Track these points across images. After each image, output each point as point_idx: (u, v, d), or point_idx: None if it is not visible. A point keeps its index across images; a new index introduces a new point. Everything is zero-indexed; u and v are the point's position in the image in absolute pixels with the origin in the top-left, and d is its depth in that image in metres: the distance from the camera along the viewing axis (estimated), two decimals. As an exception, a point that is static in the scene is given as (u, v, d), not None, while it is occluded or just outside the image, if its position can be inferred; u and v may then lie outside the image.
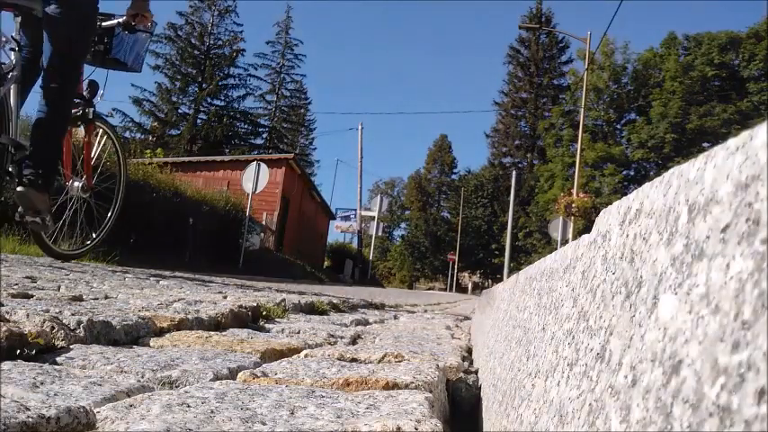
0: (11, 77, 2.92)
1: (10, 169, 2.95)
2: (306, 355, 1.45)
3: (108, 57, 3.46)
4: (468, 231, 46.86)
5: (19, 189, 2.89)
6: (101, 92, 3.59)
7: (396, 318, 3.56)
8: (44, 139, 2.98)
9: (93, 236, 3.87)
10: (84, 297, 2.07)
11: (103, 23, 3.39)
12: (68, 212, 3.62)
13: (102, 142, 3.91)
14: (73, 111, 3.33)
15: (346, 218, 35.45)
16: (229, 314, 2.03)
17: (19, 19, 2.97)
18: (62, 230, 3.63)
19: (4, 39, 2.93)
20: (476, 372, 1.59)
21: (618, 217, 0.54)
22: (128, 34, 3.44)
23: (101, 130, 3.87)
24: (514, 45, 50.31)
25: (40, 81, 3.03)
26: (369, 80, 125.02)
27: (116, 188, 4.12)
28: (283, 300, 2.88)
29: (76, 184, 3.66)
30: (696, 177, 0.36)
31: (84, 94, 3.50)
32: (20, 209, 2.99)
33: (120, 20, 3.40)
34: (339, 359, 1.42)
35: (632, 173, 38.37)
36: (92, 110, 3.64)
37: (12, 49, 2.97)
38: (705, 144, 32.08)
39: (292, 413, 0.82)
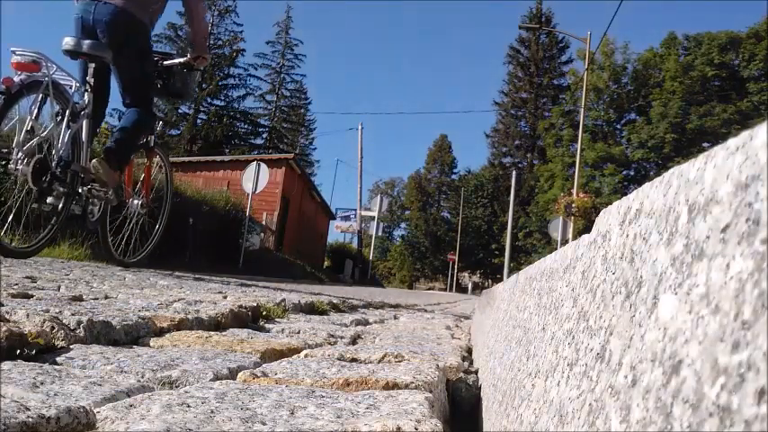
0: (83, 114, 3.42)
1: (80, 191, 3.45)
2: (306, 355, 1.45)
3: (166, 90, 3.96)
4: (468, 231, 46.86)
5: (94, 161, 3.38)
6: (159, 124, 4.10)
7: (396, 318, 3.56)
8: (125, 136, 3.56)
9: (147, 246, 4.40)
10: (84, 297, 2.07)
11: (164, 62, 3.87)
12: (128, 226, 4.14)
13: (158, 167, 4.49)
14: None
15: (346, 218, 35.44)
16: (229, 314, 2.03)
17: (93, 65, 3.42)
18: (122, 241, 4.17)
19: (78, 84, 3.41)
20: (476, 372, 1.59)
21: (618, 217, 0.54)
22: (184, 71, 3.93)
23: (158, 157, 4.43)
24: (514, 45, 50.32)
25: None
26: (369, 80, 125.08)
27: (163, 205, 4.65)
28: (283, 300, 2.88)
29: (136, 202, 4.18)
30: (696, 177, 0.36)
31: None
32: (92, 208, 3.59)
33: (181, 60, 3.90)
34: (339, 359, 1.42)
35: (632, 173, 38.36)
36: (153, 138, 4.19)
37: (85, 91, 3.45)
38: (705, 144, 32.08)
39: (292, 413, 0.82)
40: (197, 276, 6.21)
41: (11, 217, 3.18)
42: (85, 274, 3.41)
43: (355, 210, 31.58)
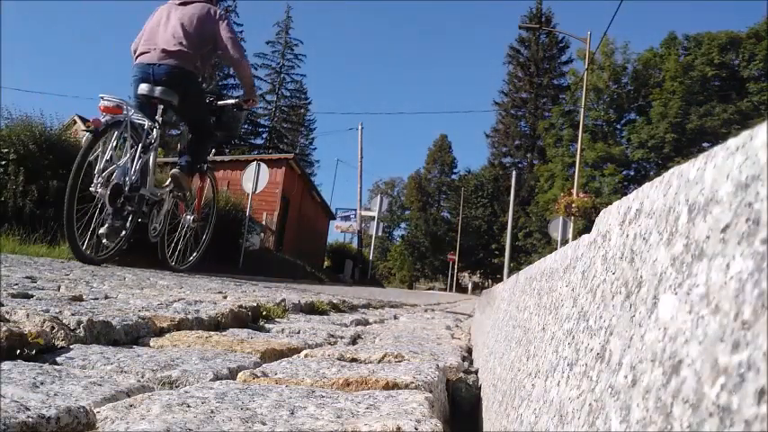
0: (152, 147, 4.12)
1: (145, 210, 4.16)
2: (306, 355, 1.45)
3: (218, 125, 4.62)
4: (468, 231, 46.85)
5: (173, 170, 4.29)
6: (211, 152, 4.95)
7: (396, 318, 3.56)
8: (193, 152, 4.44)
9: (195, 254, 5.15)
10: (84, 297, 2.07)
11: (218, 102, 4.55)
12: (182, 237, 4.88)
13: (207, 187, 5.15)
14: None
15: (346, 218, 35.41)
16: (229, 314, 2.03)
17: (161, 107, 4.19)
18: (177, 251, 4.89)
19: (149, 123, 4.08)
20: (476, 372, 1.59)
21: (618, 217, 0.54)
22: (234, 110, 4.60)
23: (209, 179, 5.11)
24: (514, 45, 50.31)
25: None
26: (369, 80, 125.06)
27: (209, 220, 5.37)
28: (283, 300, 2.88)
29: (189, 217, 4.93)
30: (696, 177, 0.36)
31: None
32: (154, 228, 4.43)
33: (234, 101, 4.61)
34: (339, 359, 1.43)
35: (632, 173, 38.37)
36: (206, 165, 4.85)
37: (154, 128, 4.14)
38: (705, 144, 32.08)
39: (292, 413, 0.82)
40: (197, 276, 6.21)
41: (89, 231, 3.87)
42: (85, 274, 3.41)
43: (355, 210, 31.58)
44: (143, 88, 4.00)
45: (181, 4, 4.23)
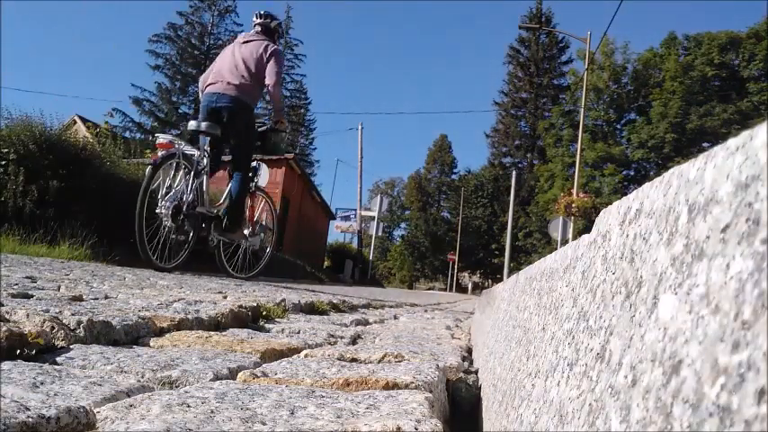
0: (203, 172, 4.74)
1: (203, 225, 4.81)
2: (306, 355, 1.45)
3: (263, 149, 5.33)
4: (468, 231, 46.84)
5: (222, 236, 4.97)
6: (260, 174, 5.70)
7: (396, 318, 3.56)
8: (234, 200, 4.90)
9: (259, 264, 5.90)
10: (84, 297, 2.07)
11: (259, 129, 5.24)
12: (241, 251, 5.55)
13: (262, 205, 5.78)
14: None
15: (346, 218, 35.40)
16: (229, 314, 2.03)
17: (208, 138, 4.80)
18: (237, 261, 5.54)
19: (200, 153, 4.75)
20: (476, 372, 1.59)
21: (618, 217, 0.54)
22: (274, 133, 5.29)
23: (262, 197, 5.76)
24: (514, 45, 50.31)
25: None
26: (369, 80, 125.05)
27: (271, 235, 6.11)
28: (283, 300, 2.88)
29: (246, 232, 5.45)
30: (696, 177, 0.36)
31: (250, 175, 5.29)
32: (214, 238, 4.99)
33: (269, 126, 5.28)
34: (339, 359, 1.43)
35: (632, 173, 38.36)
36: (254, 184, 5.42)
37: (204, 156, 4.78)
38: (705, 144, 32.07)
39: (292, 413, 0.82)
40: (197, 276, 6.21)
41: (160, 245, 4.58)
42: (85, 274, 3.41)
43: (355, 210, 31.56)
44: (191, 125, 4.79)
45: (245, 42, 4.92)
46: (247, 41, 4.89)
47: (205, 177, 4.75)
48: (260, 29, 5.06)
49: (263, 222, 5.82)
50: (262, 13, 5.13)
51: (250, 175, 5.17)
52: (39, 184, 7.62)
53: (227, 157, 5.14)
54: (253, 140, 5.02)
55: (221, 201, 4.96)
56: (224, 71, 4.75)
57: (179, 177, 4.54)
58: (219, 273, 5.69)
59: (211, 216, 4.83)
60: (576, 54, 41.19)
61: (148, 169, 4.34)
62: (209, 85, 4.78)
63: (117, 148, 10.11)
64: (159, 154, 4.42)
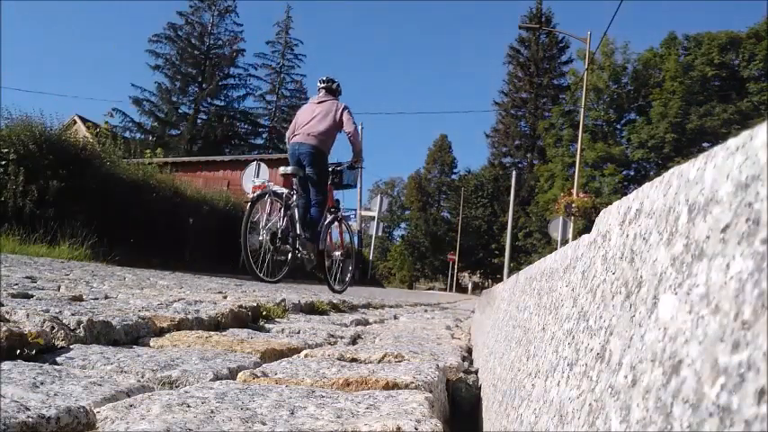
0: (293, 205, 5.82)
1: (298, 246, 5.86)
2: (306, 355, 1.45)
3: (340, 184, 6.34)
4: (468, 231, 46.83)
5: (305, 250, 5.90)
6: (342, 205, 6.73)
7: (396, 318, 3.56)
8: (313, 225, 5.95)
9: (346, 280, 6.79)
10: (84, 297, 2.07)
11: (337, 168, 6.25)
12: (335, 266, 6.67)
13: (345, 230, 6.93)
14: (331, 215, 6.32)
15: (346, 218, 35.38)
16: (229, 314, 2.03)
17: (295, 179, 5.96)
18: (333, 276, 6.58)
19: (289, 190, 5.85)
20: (476, 372, 1.59)
21: (618, 217, 0.54)
22: (348, 170, 6.32)
23: (345, 225, 6.88)
24: (514, 45, 50.28)
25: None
26: (369, 80, 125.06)
27: (353, 255, 7.16)
28: (283, 300, 2.88)
29: (336, 252, 6.68)
30: (696, 177, 0.36)
31: (335, 206, 6.45)
32: (301, 255, 5.98)
33: (347, 165, 6.33)
34: (339, 359, 1.43)
35: (632, 173, 38.35)
36: (340, 213, 6.59)
37: (293, 193, 5.88)
38: (705, 144, 32.06)
39: (292, 413, 0.82)
40: (197, 276, 6.21)
41: (264, 264, 5.63)
42: (85, 274, 3.41)
43: (355, 210, 31.55)
44: (284, 169, 5.98)
45: (318, 102, 6.06)
46: (320, 102, 6.07)
47: (296, 210, 5.88)
48: (325, 91, 6.15)
49: (347, 243, 7.06)
50: (324, 78, 6.20)
51: (331, 204, 6.36)
52: (39, 184, 7.62)
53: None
54: (327, 178, 6.13)
55: (303, 225, 5.98)
56: (304, 126, 5.94)
57: (273, 210, 5.70)
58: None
59: (300, 238, 5.96)
60: (576, 54, 41.18)
61: (248, 206, 5.51)
62: (294, 137, 6.00)
63: (117, 148, 10.12)
64: (254, 193, 5.58)
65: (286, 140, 6.29)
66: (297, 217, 5.87)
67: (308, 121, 5.90)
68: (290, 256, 5.87)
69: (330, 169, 6.21)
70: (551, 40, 48.36)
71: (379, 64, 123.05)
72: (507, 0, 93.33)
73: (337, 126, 5.95)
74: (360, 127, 29.99)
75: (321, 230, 6.07)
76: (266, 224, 5.61)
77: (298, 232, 5.88)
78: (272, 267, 5.69)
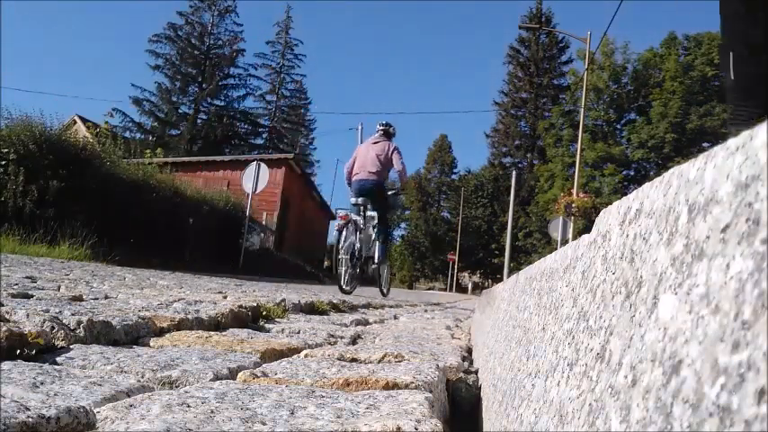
0: (365, 229, 6.91)
1: (365, 261, 7.01)
2: (306, 355, 1.45)
3: (390, 208, 7.49)
4: (468, 231, 46.82)
5: (373, 265, 7.11)
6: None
7: (396, 318, 3.56)
8: (381, 245, 7.08)
9: (389, 285, 7.93)
10: (84, 297, 2.07)
11: (391, 195, 7.39)
12: (385, 276, 7.71)
13: (389, 246, 8.04)
14: (382, 235, 7.26)
15: (346, 218, 35.32)
16: (229, 314, 2.03)
17: (363, 207, 6.98)
18: (383, 283, 7.58)
19: (361, 219, 6.91)
20: (476, 372, 1.59)
21: (618, 217, 0.54)
22: (395, 197, 7.48)
23: (389, 243, 7.83)
24: (514, 45, 50.26)
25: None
26: (369, 80, 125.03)
27: (390, 265, 8.53)
28: (283, 300, 2.88)
29: (384, 265, 7.64)
30: (696, 177, 0.36)
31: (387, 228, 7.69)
32: (368, 269, 7.25)
33: (394, 192, 7.46)
34: (339, 359, 1.43)
35: (632, 173, 38.34)
36: (388, 235, 7.86)
37: (364, 219, 6.93)
38: (705, 144, 32.04)
39: (292, 413, 0.82)
40: (197, 276, 6.21)
41: (344, 276, 6.76)
42: (85, 274, 3.41)
43: (355, 210, 31.53)
44: (356, 201, 7.05)
45: (374, 143, 7.20)
46: (376, 142, 7.21)
47: (365, 233, 7.03)
48: (382, 132, 7.33)
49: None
50: (384, 122, 7.41)
51: (387, 230, 7.50)
52: (39, 184, 7.62)
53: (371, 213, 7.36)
54: (387, 205, 7.29)
55: (372, 246, 7.14)
56: (364, 164, 7.12)
57: (349, 235, 6.85)
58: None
59: (369, 257, 7.15)
60: (576, 54, 41.15)
61: (335, 233, 6.83)
62: (356, 174, 7.15)
63: (117, 148, 10.12)
64: (342, 222, 6.82)
65: (345, 173, 7.42)
66: (364, 239, 7.05)
67: (367, 159, 7.11)
68: (361, 269, 7.15)
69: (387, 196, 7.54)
70: (551, 40, 48.35)
71: (379, 64, 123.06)
72: (507, 0, 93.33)
73: (390, 163, 7.16)
74: (360, 127, 30.10)
75: (380, 249, 7.18)
76: (346, 245, 6.81)
77: (365, 252, 7.09)
78: (350, 279, 6.83)
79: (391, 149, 7.10)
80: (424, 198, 56.69)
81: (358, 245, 6.88)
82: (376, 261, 7.09)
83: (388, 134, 7.34)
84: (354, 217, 6.92)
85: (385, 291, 7.58)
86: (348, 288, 6.70)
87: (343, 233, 6.70)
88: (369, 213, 7.06)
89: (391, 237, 8.54)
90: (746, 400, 0.25)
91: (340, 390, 1.04)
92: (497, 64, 62.04)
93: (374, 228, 7.12)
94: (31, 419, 0.67)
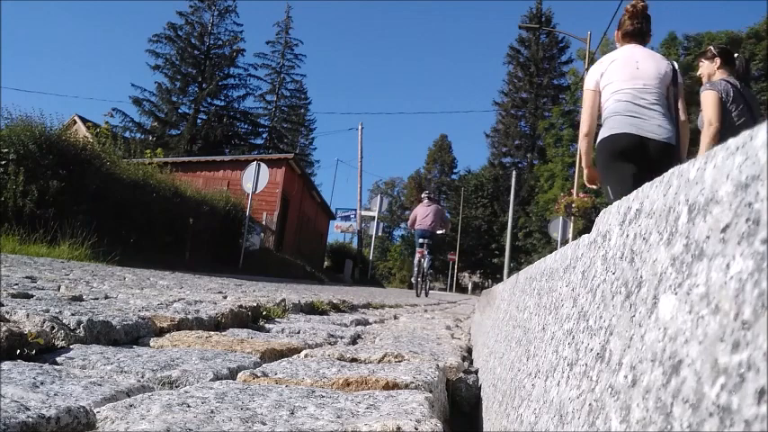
0: (424, 257, 10.69)
1: (425, 276, 10.86)
2: (306, 355, 1.45)
3: (435, 244, 11.19)
4: (468, 231, 46.83)
5: (427, 276, 10.94)
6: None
7: (396, 318, 3.55)
8: (431, 264, 10.93)
9: (427, 288, 11.02)
10: (84, 297, 2.07)
11: (438, 234, 10.77)
12: (427, 284, 11.13)
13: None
14: (431, 257, 11.00)
15: (346, 218, 35.37)
16: (229, 314, 2.03)
17: (425, 246, 10.72)
18: (426, 289, 10.97)
19: (425, 250, 10.78)
20: (476, 372, 1.59)
21: (618, 217, 0.54)
22: (441, 235, 11.51)
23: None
24: (514, 45, 50.28)
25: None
26: (369, 80, 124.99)
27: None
28: (283, 300, 2.88)
29: (429, 277, 11.19)
30: (696, 177, 0.36)
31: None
32: (425, 281, 10.96)
33: (440, 235, 10.89)
34: (339, 359, 1.43)
35: (632, 173, 38.30)
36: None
37: (424, 252, 10.90)
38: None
39: (292, 413, 0.82)
40: (197, 276, 6.21)
41: (417, 286, 10.95)
42: (85, 274, 3.41)
43: (355, 210, 31.55)
44: (420, 241, 10.41)
45: (428, 205, 10.56)
46: (429, 205, 10.60)
47: (425, 259, 10.46)
48: (428, 199, 10.83)
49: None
50: (429, 192, 11.33)
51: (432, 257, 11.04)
52: (39, 184, 7.62)
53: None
54: (435, 242, 10.68)
55: (428, 267, 10.54)
56: (423, 219, 10.40)
57: (420, 260, 10.55)
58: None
59: (424, 274, 10.63)
60: (576, 54, 41.17)
61: (416, 260, 10.62)
62: (419, 225, 10.43)
63: (117, 148, 10.12)
64: (418, 255, 10.58)
65: (409, 224, 10.98)
66: (427, 259, 10.49)
67: (425, 216, 10.45)
68: (420, 281, 10.73)
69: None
70: (551, 40, 48.35)
71: (379, 64, 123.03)
72: (507, 0, 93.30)
73: (441, 218, 10.62)
74: (360, 127, 30.13)
75: (429, 266, 10.58)
76: (418, 266, 10.62)
77: (424, 270, 10.60)
78: (420, 288, 10.73)
79: (440, 211, 10.75)
80: (424, 198, 56.61)
81: (425, 267, 10.62)
82: (427, 273, 10.72)
83: (434, 200, 11.10)
84: (420, 250, 10.58)
85: (427, 292, 11.04)
86: (420, 295, 10.64)
87: (417, 259, 10.67)
88: (426, 248, 10.51)
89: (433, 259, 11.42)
90: (746, 400, 0.25)
91: (340, 390, 1.04)
92: (497, 64, 62.09)
93: (428, 254, 10.60)
94: (31, 419, 0.67)
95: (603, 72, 3.35)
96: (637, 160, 3.13)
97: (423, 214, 10.64)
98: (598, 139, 3.38)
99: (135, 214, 9.23)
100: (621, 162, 3.18)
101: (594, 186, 3.65)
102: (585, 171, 3.59)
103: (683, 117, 3.28)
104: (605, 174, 3.36)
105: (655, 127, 3.14)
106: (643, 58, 3.32)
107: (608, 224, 0.57)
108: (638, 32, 3.44)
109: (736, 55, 4.01)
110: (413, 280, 11.44)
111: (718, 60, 3.87)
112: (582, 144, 3.52)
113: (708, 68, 3.90)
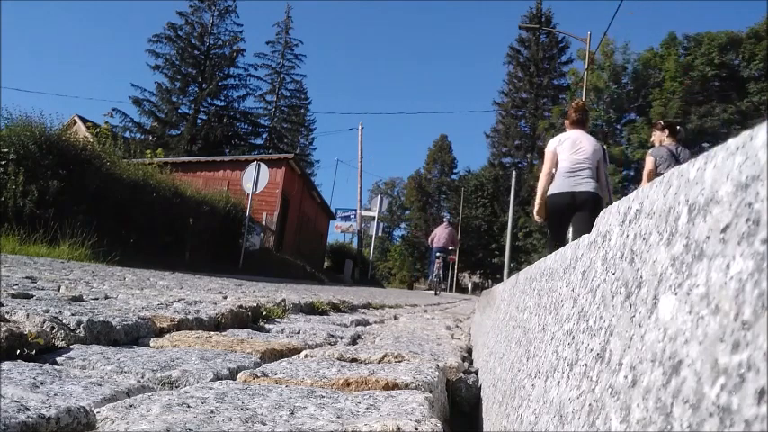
0: (441, 267, 14.88)
1: (441, 279, 14.67)
2: (306, 356, 1.45)
3: (447, 256, 15.37)
4: (468, 231, 46.83)
5: (442, 280, 15.88)
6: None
7: (396, 318, 3.55)
8: (445, 271, 17.82)
9: (443, 287, 16.99)
10: (84, 297, 2.07)
11: (451, 250, 14.85)
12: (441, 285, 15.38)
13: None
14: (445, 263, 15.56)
15: (346, 218, 35.36)
16: (229, 314, 2.03)
17: (442, 257, 14.62)
18: (441, 285, 15.06)
19: (441, 259, 14.61)
20: (476, 372, 1.59)
21: (618, 217, 0.54)
22: (453, 250, 17.18)
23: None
24: (514, 45, 50.26)
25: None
26: (369, 80, 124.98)
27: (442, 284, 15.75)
28: (283, 300, 2.88)
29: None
30: (696, 177, 0.36)
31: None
32: (441, 283, 15.08)
33: (451, 250, 15.27)
34: (339, 359, 1.42)
35: (632, 173, 38.36)
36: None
37: (441, 260, 15.01)
38: (705, 144, 31.98)
39: (292, 413, 0.82)
40: (197, 276, 6.21)
41: (433, 286, 14.92)
42: (85, 274, 3.41)
43: (355, 210, 31.54)
44: (438, 254, 13.56)
45: (446, 228, 13.72)
46: (446, 227, 13.49)
47: (442, 267, 13.49)
48: (448, 223, 13.75)
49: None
50: (449, 217, 15.70)
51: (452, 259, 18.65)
52: (39, 184, 7.62)
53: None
54: (449, 255, 14.25)
55: (444, 272, 14.41)
56: (440, 238, 13.26)
57: (438, 267, 13.58)
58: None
59: (440, 279, 13.63)
60: (576, 54, 41.17)
61: (435, 268, 13.50)
62: (437, 243, 13.19)
63: (117, 148, 10.11)
64: (436, 264, 13.40)
65: (429, 242, 14.02)
66: (441, 268, 12.97)
67: (443, 235, 13.24)
68: (437, 283, 13.53)
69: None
70: (551, 40, 48.34)
71: (379, 64, 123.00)
72: (507, 0, 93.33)
73: (455, 237, 13.21)
74: (360, 127, 30.12)
75: (443, 273, 12.15)
76: (436, 272, 13.30)
77: (441, 275, 13.15)
78: (437, 289, 13.67)
79: (454, 233, 13.80)
80: (424, 198, 56.71)
81: (440, 272, 13.45)
82: (441, 279, 13.48)
83: (451, 224, 13.79)
84: (438, 261, 13.23)
85: (440, 293, 13.86)
86: (438, 294, 13.53)
87: (435, 266, 13.30)
88: (441, 260, 13.19)
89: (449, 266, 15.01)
90: (746, 400, 0.25)
91: (340, 390, 1.04)
92: (497, 64, 62.05)
93: (444, 264, 12.98)
94: (31, 419, 0.67)
95: (557, 145, 4.93)
96: (569, 209, 4.74)
97: (440, 234, 13.74)
98: (548, 193, 4.93)
99: (135, 214, 9.23)
100: (557, 212, 4.83)
101: (538, 219, 5.14)
102: (537, 204, 4.96)
103: (605, 179, 4.91)
104: (549, 216, 4.99)
105: (583, 184, 4.72)
106: (583, 139, 4.95)
107: (608, 224, 0.57)
108: (581, 121, 5.11)
109: (678, 127, 5.51)
110: (430, 283, 14.64)
111: (666, 131, 5.38)
112: (541, 182, 4.97)
113: (658, 137, 5.43)
